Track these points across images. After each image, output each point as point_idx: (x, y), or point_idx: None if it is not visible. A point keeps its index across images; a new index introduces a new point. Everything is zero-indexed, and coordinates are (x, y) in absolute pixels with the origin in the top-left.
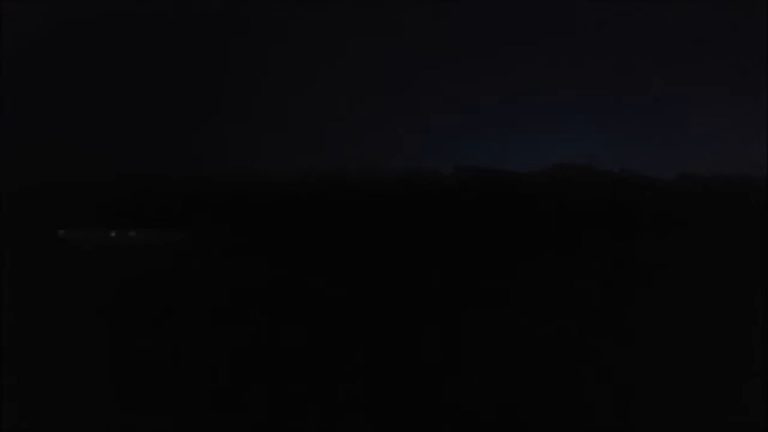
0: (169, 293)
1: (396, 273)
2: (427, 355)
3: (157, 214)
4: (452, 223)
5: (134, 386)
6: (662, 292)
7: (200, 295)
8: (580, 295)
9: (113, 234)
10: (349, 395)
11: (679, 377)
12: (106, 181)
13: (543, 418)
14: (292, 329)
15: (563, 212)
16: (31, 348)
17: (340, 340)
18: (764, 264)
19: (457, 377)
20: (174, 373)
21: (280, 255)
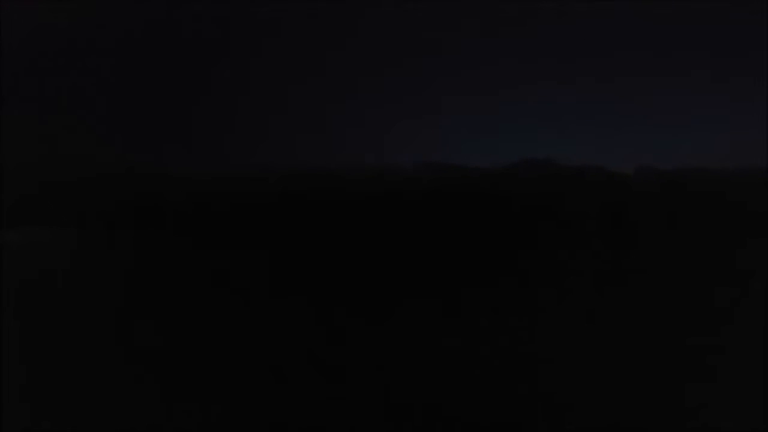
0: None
1: (338, 273)
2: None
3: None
4: (412, 221)
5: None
6: (628, 290)
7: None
8: (550, 294)
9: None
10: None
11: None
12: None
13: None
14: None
15: (527, 209)
16: None
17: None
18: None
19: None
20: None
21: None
